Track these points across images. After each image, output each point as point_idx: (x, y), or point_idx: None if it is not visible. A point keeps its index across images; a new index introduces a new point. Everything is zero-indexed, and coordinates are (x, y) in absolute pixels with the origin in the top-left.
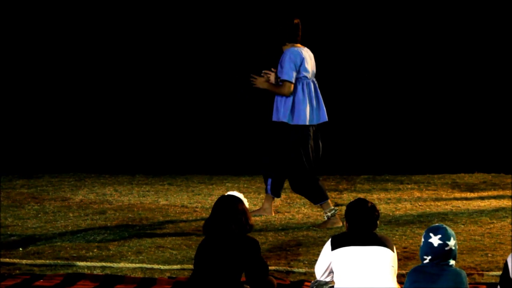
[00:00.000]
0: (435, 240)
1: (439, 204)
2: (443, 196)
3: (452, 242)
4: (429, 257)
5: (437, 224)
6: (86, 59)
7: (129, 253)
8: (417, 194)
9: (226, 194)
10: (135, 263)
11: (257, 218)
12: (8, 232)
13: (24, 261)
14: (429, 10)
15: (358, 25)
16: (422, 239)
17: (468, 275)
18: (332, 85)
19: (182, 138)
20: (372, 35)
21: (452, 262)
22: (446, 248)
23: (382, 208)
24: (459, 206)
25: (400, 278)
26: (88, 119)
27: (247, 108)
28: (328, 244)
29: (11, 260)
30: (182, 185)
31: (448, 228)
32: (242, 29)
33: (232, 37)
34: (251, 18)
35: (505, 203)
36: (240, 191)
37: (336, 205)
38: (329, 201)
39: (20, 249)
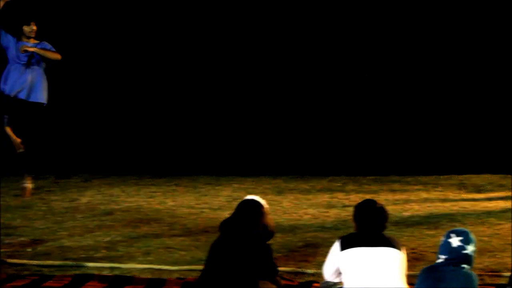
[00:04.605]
0: (454, 241)
1: (446, 205)
2: (451, 197)
3: (471, 248)
4: (445, 257)
5: (462, 228)
6: (94, 60)
7: (138, 254)
8: (424, 195)
9: (247, 198)
10: (144, 264)
11: None
12: (17, 233)
13: (32, 262)
14: (429, 10)
15: (358, 25)
16: (442, 238)
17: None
18: (338, 85)
19: (189, 139)
20: (372, 35)
21: (466, 267)
22: (463, 252)
23: (390, 209)
24: (466, 207)
25: (408, 279)
26: (95, 120)
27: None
28: (336, 245)
29: (20, 261)
30: (189, 186)
31: (471, 234)
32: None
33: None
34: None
35: None
36: (247, 192)
37: (343, 206)
38: None
39: (29, 250)
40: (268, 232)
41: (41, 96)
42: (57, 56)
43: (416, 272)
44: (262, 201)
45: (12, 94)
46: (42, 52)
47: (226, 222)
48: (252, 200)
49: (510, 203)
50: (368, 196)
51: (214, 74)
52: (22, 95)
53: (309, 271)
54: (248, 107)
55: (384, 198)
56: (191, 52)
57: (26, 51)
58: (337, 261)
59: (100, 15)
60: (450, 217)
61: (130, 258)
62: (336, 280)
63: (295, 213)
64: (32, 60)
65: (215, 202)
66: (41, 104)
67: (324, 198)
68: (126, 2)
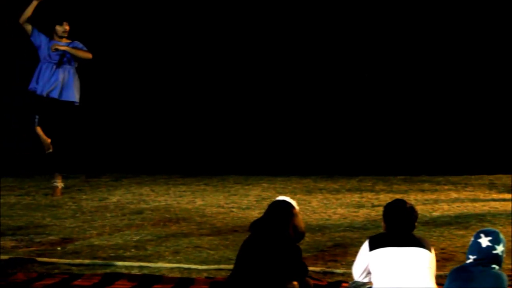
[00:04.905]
0: (484, 241)
1: (476, 205)
2: (481, 197)
3: (500, 248)
4: (474, 257)
5: (491, 228)
6: (125, 59)
7: (167, 253)
8: (454, 195)
9: (278, 199)
10: (173, 263)
11: None
12: (47, 232)
13: (62, 261)
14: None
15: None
16: (472, 238)
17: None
18: (364, 85)
19: (219, 138)
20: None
21: (495, 267)
22: (493, 252)
23: (419, 209)
24: (497, 207)
25: (438, 279)
26: (126, 119)
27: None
28: (365, 245)
29: (50, 260)
30: (219, 185)
31: (501, 234)
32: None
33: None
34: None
35: None
36: (276, 192)
37: (373, 206)
38: None
39: (59, 248)
40: (299, 233)
41: (73, 95)
42: (88, 55)
43: (446, 272)
44: (293, 202)
45: (44, 93)
46: (73, 51)
47: (256, 222)
48: (284, 201)
49: None
50: (397, 196)
51: (245, 75)
52: (54, 94)
53: (338, 271)
54: (279, 107)
55: (413, 198)
56: (216, 51)
57: (57, 49)
58: (366, 261)
59: (134, 14)
60: (480, 217)
61: (159, 257)
62: (365, 280)
63: (324, 212)
64: (63, 59)
65: (244, 201)
66: (73, 103)
67: (354, 197)
68: (158, 3)
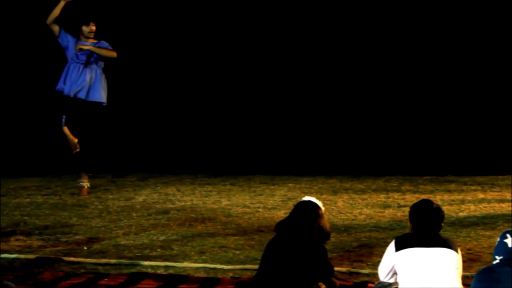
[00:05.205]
0: (510, 242)
1: (503, 205)
2: (508, 197)
3: None
4: (500, 257)
5: None
6: (151, 59)
7: (192, 252)
8: (481, 195)
9: (304, 199)
10: (198, 262)
11: None
12: (73, 231)
13: (88, 260)
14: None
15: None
16: (498, 239)
17: None
18: (391, 84)
19: (246, 138)
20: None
21: None
22: None
23: (446, 209)
24: None
25: (464, 280)
26: (151, 119)
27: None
28: (392, 245)
29: (76, 259)
30: (244, 185)
31: None
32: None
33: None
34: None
35: None
36: (302, 192)
37: (399, 206)
38: None
39: (85, 248)
40: (324, 234)
41: (100, 95)
42: (112, 54)
43: (472, 273)
44: (319, 203)
45: (72, 93)
46: (96, 50)
47: (282, 223)
48: (309, 202)
49: None
50: (424, 196)
51: (271, 77)
52: (82, 95)
53: (363, 271)
54: (305, 107)
55: (440, 198)
56: (234, 51)
57: (81, 49)
58: (392, 261)
59: (161, 13)
60: (507, 218)
61: (185, 257)
62: (391, 281)
63: (350, 213)
64: (90, 59)
65: (269, 201)
66: (100, 103)
67: (380, 198)
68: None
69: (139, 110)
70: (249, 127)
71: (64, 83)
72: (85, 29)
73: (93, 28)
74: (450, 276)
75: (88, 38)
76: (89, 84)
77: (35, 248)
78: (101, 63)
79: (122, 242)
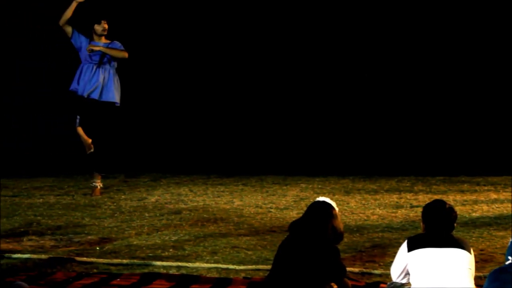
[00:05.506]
0: None
1: None
2: None
3: None
4: None
5: None
6: (163, 59)
7: (205, 253)
8: (493, 195)
9: (319, 199)
10: (211, 263)
11: None
12: (86, 231)
13: (101, 260)
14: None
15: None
16: (510, 239)
17: None
18: (403, 84)
19: (258, 139)
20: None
21: None
22: None
23: (458, 209)
24: None
25: (477, 280)
26: (164, 120)
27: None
28: (404, 246)
29: (89, 259)
30: (257, 185)
31: None
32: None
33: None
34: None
35: None
36: (314, 192)
37: (411, 206)
38: None
39: (97, 248)
40: (337, 234)
41: (113, 96)
42: (124, 55)
43: (485, 273)
44: (333, 204)
45: (85, 94)
46: (107, 50)
47: (296, 223)
48: (324, 202)
49: None
50: (436, 197)
51: (283, 76)
52: (95, 95)
53: (376, 271)
54: (317, 107)
55: (453, 198)
56: (247, 53)
57: (92, 50)
58: (405, 261)
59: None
60: None
61: (197, 257)
62: (404, 281)
63: (362, 213)
64: (103, 59)
65: (282, 202)
66: (113, 103)
67: (392, 198)
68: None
69: (152, 111)
70: (261, 128)
71: (78, 83)
72: (97, 27)
73: (105, 26)
74: (463, 277)
75: (101, 36)
76: (102, 84)
77: (48, 248)
78: (114, 64)
79: (135, 242)
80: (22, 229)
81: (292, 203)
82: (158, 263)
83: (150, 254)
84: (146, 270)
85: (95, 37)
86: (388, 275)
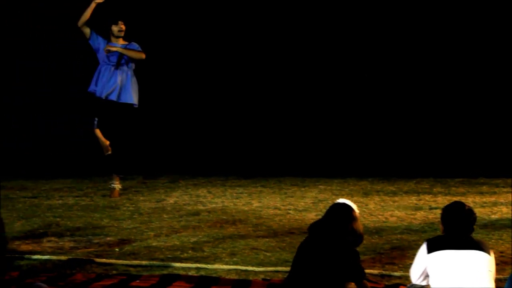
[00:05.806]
0: None
1: None
2: None
3: None
4: None
5: None
6: (182, 61)
7: (224, 254)
8: None
9: (339, 201)
10: (230, 264)
11: None
12: (104, 233)
13: (120, 262)
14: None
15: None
16: None
17: None
18: (424, 86)
19: (276, 140)
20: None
21: None
22: None
23: (478, 211)
24: None
25: (497, 283)
26: (183, 121)
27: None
28: (423, 248)
29: (108, 261)
30: (275, 187)
31: None
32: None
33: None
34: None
35: None
36: (332, 194)
37: (430, 208)
38: None
39: (116, 249)
40: (357, 237)
41: (131, 97)
42: (141, 56)
43: (505, 275)
44: (354, 206)
45: (103, 95)
46: (124, 51)
47: (315, 224)
48: (344, 204)
49: None
50: (455, 199)
51: (300, 78)
52: (113, 97)
53: (395, 273)
54: (337, 109)
55: (472, 200)
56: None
57: (109, 50)
58: (424, 264)
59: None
60: None
61: (216, 259)
62: (423, 283)
63: (381, 215)
64: (121, 60)
65: (300, 203)
66: (131, 105)
67: (411, 200)
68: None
69: (171, 112)
70: (280, 129)
71: (96, 85)
72: (114, 28)
73: (123, 27)
74: (483, 279)
75: (118, 37)
76: (120, 86)
77: (67, 249)
78: (132, 65)
79: (154, 244)
80: (41, 231)
81: (310, 204)
82: (177, 264)
83: (169, 256)
84: (165, 272)
85: (112, 38)
86: (407, 277)
